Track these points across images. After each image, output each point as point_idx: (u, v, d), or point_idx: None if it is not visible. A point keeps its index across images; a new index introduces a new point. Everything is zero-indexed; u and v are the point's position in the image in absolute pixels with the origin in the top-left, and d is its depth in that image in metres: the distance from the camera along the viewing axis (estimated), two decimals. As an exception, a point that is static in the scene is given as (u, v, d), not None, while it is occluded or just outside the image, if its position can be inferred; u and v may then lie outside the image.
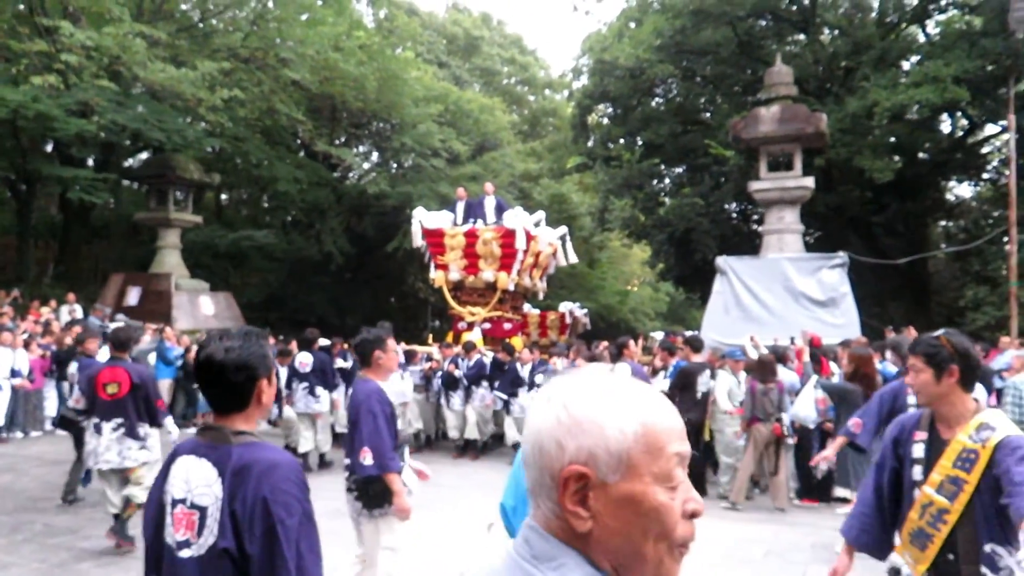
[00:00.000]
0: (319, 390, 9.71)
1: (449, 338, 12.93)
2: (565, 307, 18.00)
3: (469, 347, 11.04)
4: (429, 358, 11.61)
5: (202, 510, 1.92)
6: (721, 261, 14.42)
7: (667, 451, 0.95)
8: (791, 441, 7.83)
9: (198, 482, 1.95)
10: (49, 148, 20.08)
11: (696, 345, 9.18)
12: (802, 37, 22.77)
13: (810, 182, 14.40)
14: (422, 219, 13.26)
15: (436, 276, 13.10)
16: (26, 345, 11.29)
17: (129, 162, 22.62)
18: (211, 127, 18.46)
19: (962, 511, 2.62)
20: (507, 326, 12.95)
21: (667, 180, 26.18)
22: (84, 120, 15.34)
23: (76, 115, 15.24)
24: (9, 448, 10.31)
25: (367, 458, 4.01)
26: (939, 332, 2.79)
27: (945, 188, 24.55)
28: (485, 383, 10.68)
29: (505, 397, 10.42)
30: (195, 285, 18.67)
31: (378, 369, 4.31)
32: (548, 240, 13.51)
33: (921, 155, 21.40)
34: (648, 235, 24.93)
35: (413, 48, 26.84)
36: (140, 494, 5.92)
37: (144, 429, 6.08)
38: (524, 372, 10.47)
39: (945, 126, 22.05)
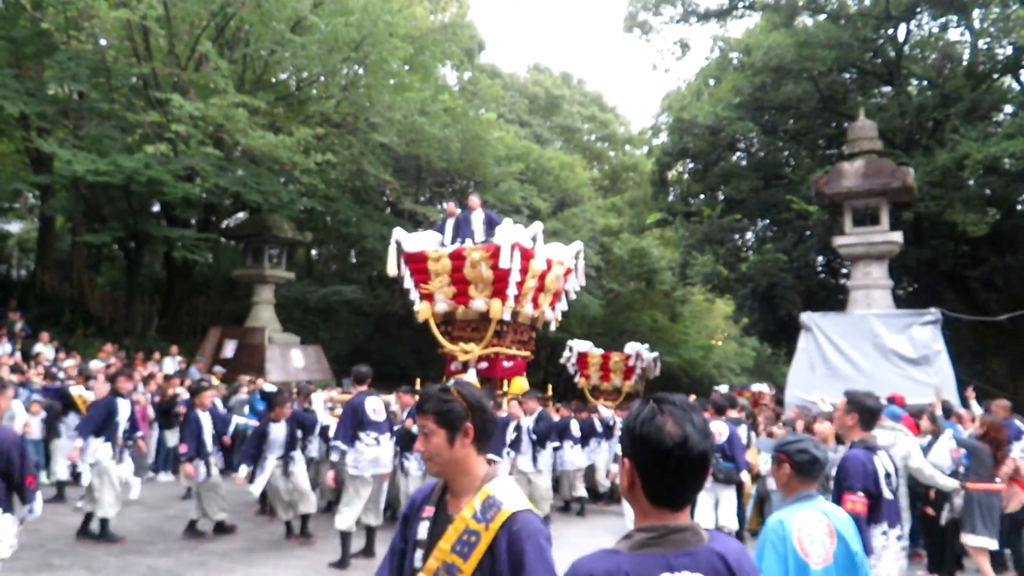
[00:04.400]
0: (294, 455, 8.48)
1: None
2: (631, 348, 16.71)
3: None
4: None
5: None
6: (806, 317, 14.12)
7: None
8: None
9: None
10: (155, 209, 21.49)
11: (729, 402, 9.82)
12: (887, 89, 22.39)
13: (898, 237, 14.05)
14: (401, 241, 11.21)
15: (421, 308, 11.01)
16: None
17: (227, 222, 23.91)
18: (305, 188, 19.45)
19: None
20: (507, 364, 10.93)
21: (749, 235, 25.87)
22: (190, 184, 16.43)
23: (183, 179, 16.30)
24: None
25: None
26: (449, 383, 2.35)
27: (1049, 241, 23.40)
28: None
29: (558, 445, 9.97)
30: (287, 339, 19.44)
31: None
32: (557, 259, 11.30)
33: (1020, 207, 20.54)
34: (731, 290, 24.63)
35: (495, 109, 27.60)
36: None
37: None
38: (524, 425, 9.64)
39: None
